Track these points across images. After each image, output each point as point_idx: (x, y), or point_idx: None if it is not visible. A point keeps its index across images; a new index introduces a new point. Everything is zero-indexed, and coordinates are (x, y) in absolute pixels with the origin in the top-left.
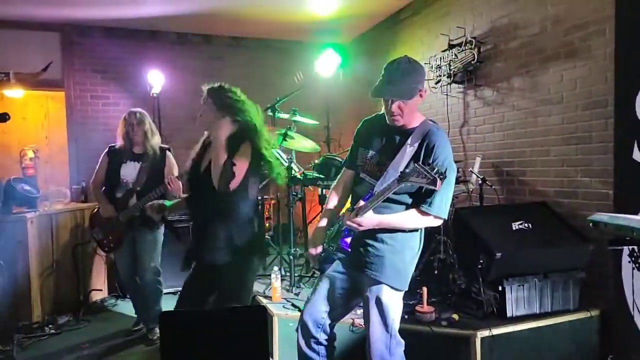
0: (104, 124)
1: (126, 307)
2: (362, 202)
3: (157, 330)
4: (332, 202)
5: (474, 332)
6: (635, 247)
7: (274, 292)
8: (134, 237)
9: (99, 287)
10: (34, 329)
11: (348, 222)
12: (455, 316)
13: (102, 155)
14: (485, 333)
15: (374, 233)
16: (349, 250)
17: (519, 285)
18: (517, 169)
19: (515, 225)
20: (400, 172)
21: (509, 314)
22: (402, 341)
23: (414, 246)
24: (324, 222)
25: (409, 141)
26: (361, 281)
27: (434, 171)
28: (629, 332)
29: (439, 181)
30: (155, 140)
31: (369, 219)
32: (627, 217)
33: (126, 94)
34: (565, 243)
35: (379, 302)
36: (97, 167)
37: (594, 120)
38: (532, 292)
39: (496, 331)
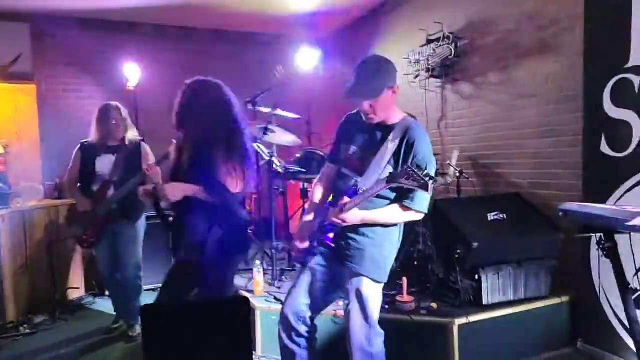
0: (77, 118)
1: (104, 305)
2: (346, 199)
3: (138, 327)
4: (317, 196)
5: (452, 319)
6: (602, 235)
7: (256, 286)
8: (113, 231)
9: (76, 286)
10: (9, 329)
11: (333, 219)
12: (434, 305)
13: (75, 151)
14: (463, 320)
15: (355, 227)
16: (332, 245)
17: (495, 274)
18: (492, 162)
19: (491, 216)
20: (390, 173)
21: (485, 302)
22: (382, 332)
23: (393, 240)
24: (310, 217)
25: (389, 137)
26: (342, 274)
27: (424, 174)
28: (597, 317)
29: (430, 185)
30: (133, 133)
31: (354, 216)
32: (594, 207)
33: (101, 88)
34: (538, 233)
35: (359, 294)
36: (71, 164)
37: (566, 115)
38: (507, 280)
39: (473, 318)
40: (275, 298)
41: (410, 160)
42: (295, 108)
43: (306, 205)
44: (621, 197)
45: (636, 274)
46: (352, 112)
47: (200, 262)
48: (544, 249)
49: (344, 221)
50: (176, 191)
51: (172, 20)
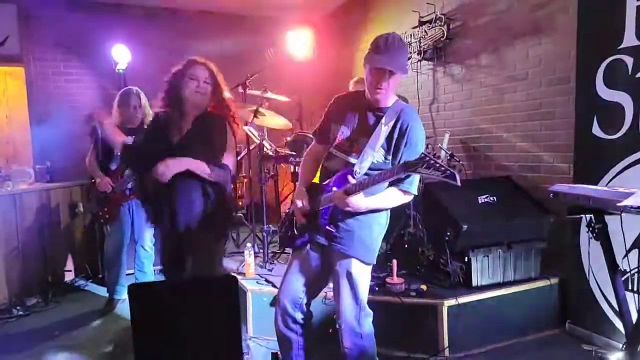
0: (67, 101)
1: (96, 287)
2: (351, 180)
3: None
4: (307, 175)
5: (441, 301)
6: (592, 216)
7: (247, 268)
8: (130, 208)
9: (69, 268)
10: (2, 310)
11: (338, 202)
12: (424, 287)
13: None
14: (452, 302)
15: (344, 210)
16: (334, 231)
17: (484, 256)
18: (483, 145)
19: (481, 199)
20: (407, 162)
21: (474, 284)
22: (371, 312)
23: (381, 221)
24: (304, 199)
25: (383, 120)
26: (331, 256)
27: (447, 163)
28: (586, 298)
29: (457, 176)
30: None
31: (359, 202)
32: (584, 187)
33: (90, 70)
34: (528, 215)
35: (349, 276)
36: (92, 145)
37: (557, 97)
38: (496, 262)
39: (462, 300)
40: (267, 280)
41: (403, 145)
42: (286, 91)
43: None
44: (612, 179)
45: (625, 255)
46: (343, 93)
47: (191, 230)
48: (534, 231)
49: (347, 206)
50: (178, 166)
51: (162, 2)
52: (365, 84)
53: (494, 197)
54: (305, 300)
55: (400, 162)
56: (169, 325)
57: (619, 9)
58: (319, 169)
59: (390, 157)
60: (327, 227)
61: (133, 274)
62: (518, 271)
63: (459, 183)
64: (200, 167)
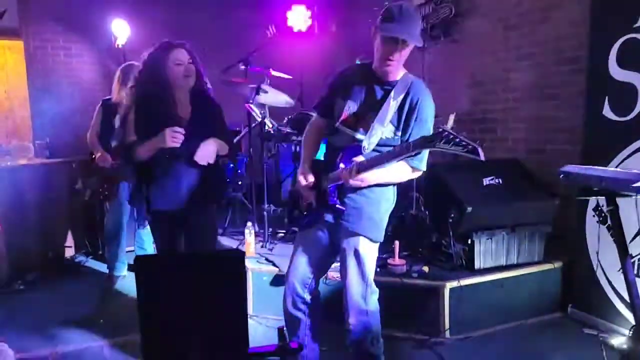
0: (67, 76)
1: (96, 264)
2: (360, 157)
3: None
4: (309, 151)
5: (443, 283)
6: (602, 199)
7: (247, 247)
8: (129, 186)
9: (69, 244)
10: (1, 285)
11: (351, 181)
12: (426, 268)
13: (97, 108)
14: (454, 284)
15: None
16: (343, 208)
17: (488, 239)
18: (489, 126)
19: (486, 181)
20: (424, 136)
21: (477, 266)
22: (377, 289)
23: (389, 197)
24: (310, 176)
25: (391, 94)
26: (339, 233)
27: (468, 138)
28: (590, 283)
29: (480, 150)
30: None
31: (371, 176)
32: (596, 169)
33: (90, 45)
34: (533, 198)
35: (356, 254)
36: (93, 120)
37: (566, 77)
38: (500, 245)
39: (464, 282)
40: (267, 259)
41: (413, 120)
42: (287, 69)
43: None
44: (621, 162)
45: (632, 240)
46: (349, 66)
47: (186, 208)
48: (539, 215)
49: (361, 182)
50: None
51: None
52: (375, 54)
53: (500, 180)
54: (313, 280)
55: (417, 137)
56: (174, 298)
57: None
58: (325, 145)
59: (399, 133)
60: (337, 206)
61: (133, 251)
62: (522, 254)
63: (482, 157)
64: (224, 147)
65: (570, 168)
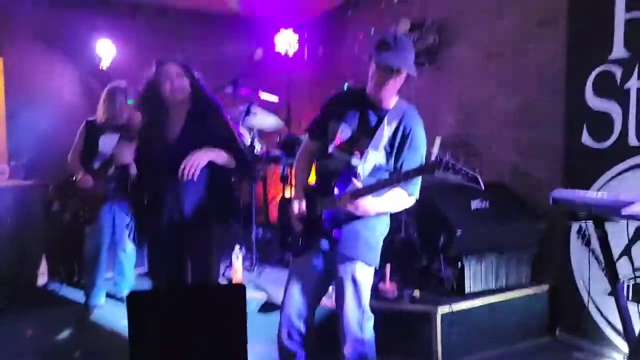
0: (47, 96)
1: (71, 291)
2: (356, 183)
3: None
4: (303, 174)
5: (435, 307)
6: (586, 223)
7: (235, 273)
8: (111, 209)
9: (42, 271)
10: None
11: (348, 206)
12: (417, 293)
13: (81, 128)
14: (446, 309)
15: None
16: (335, 233)
17: (477, 262)
18: (473, 150)
19: (474, 204)
20: (424, 165)
21: (467, 290)
22: (372, 315)
23: (384, 221)
24: (302, 202)
25: (385, 121)
26: (334, 259)
27: (466, 166)
28: (576, 306)
29: (480, 179)
30: (139, 114)
31: (367, 207)
32: (585, 194)
33: (73, 65)
34: (520, 221)
35: (354, 280)
36: (75, 140)
37: (546, 104)
38: (489, 268)
39: (456, 307)
40: (256, 285)
41: (406, 148)
42: (274, 92)
43: (288, 192)
44: (601, 187)
45: (617, 259)
46: (342, 91)
47: (189, 222)
48: (525, 238)
49: (356, 210)
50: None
51: None
52: (370, 81)
53: (487, 203)
54: (308, 310)
55: (415, 166)
56: (170, 338)
57: (608, 21)
58: (315, 169)
59: (392, 160)
60: (334, 233)
61: (112, 278)
62: (510, 277)
63: (482, 186)
64: (221, 156)
65: (559, 193)
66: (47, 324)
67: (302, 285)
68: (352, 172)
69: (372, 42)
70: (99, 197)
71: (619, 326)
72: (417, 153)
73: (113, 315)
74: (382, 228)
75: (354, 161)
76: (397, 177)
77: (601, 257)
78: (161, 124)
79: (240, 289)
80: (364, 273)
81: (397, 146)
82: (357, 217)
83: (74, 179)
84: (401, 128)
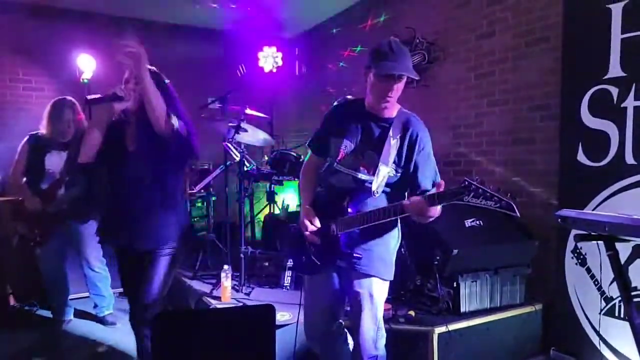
0: (25, 110)
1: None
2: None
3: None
4: (309, 192)
5: (432, 328)
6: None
7: (224, 292)
8: (67, 230)
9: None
10: None
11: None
12: (412, 313)
13: (22, 144)
14: (442, 329)
15: (360, 229)
16: (356, 254)
17: (473, 281)
18: (463, 169)
19: (468, 223)
20: (449, 189)
21: (462, 310)
22: (384, 334)
23: (395, 235)
24: (316, 222)
25: (391, 133)
26: (350, 276)
27: (499, 191)
28: (570, 325)
29: (514, 205)
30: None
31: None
32: (594, 213)
33: (52, 79)
34: (514, 240)
35: (371, 297)
36: (17, 157)
37: (539, 123)
38: (484, 288)
39: (452, 327)
40: (238, 305)
41: (415, 153)
42: (257, 108)
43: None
44: (597, 206)
45: (612, 282)
46: (342, 102)
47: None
48: (519, 257)
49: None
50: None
51: (130, 13)
52: (370, 94)
53: (481, 221)
54: (333, 327)
55: (446, 189)
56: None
57: (603, 40)
58: (321, 184)
59: (400, 170)
60: (355, 255)
61: (88, 297)
62: (504, 297)
63: (518, 214)
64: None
65: (567, 212)
66: (24, 342)
67: (319, 304)
68: (367, 190)
69: (367, 55)
70: (50, 217)
71: (615, 345)
72: (429, 159)
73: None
74: (394, 242)
75: (361, 176)
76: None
77: (597, 277)
78: (114, 130)
79: (270, 309)
80: (380, 289)
81: (406, 155)
82: (373, 235)
83: (20, 199)
84: (408, 136)
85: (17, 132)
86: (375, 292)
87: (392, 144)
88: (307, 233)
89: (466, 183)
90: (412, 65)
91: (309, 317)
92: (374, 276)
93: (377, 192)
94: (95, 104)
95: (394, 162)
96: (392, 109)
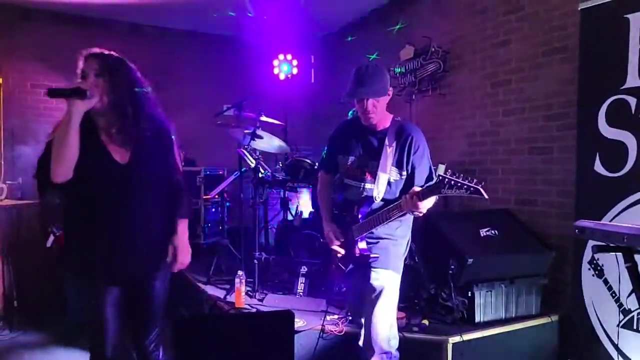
0: (44, 115)
1: None
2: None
3: None
4: (328, 205)
5: (446, 337)
6: (616, 255)
7: (238, 297)
8: None
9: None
10: None
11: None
12: (426, 322)
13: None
14: (457, 339)
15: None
16: (372, 256)
17: (488, 291)
18: (478, 176)
19: (483, 232)
20: (431, 185)
21: (477, 320)
22: (397, 336)
23: (406, 234)
24: (332, 224)
25: (386, 142)
26: (367, 273)
27: (468, 180)
28: (588, 337)
29: (482, 189)
30: None
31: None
32: (614, 224)
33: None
34: (530, 250)
35: (385, 289)
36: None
37: (556, 132)
38: (499, 298)
39: (467, 337)
40: (258, 311)
41: (412, 154)
42: (271, 115)
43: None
44: (615, 217)
45: (630, 294)
46: (342, 123)
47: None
48: (535, 267)
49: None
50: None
51: (148, 19)
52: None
53: (496, 231)
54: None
55: (425, 186)
56: None
57: (621, 50)
58: (336, 198)
59: (404, 172)
60: (372, 255)
61: None
62: (520, 307)
63: (486, 196)
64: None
65: (585, 223)
66: (41, 344)
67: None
68: (369, 198)
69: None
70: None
71: (634, 358)
72: (423, 159)
73: None
74: (404, 240)
75: (368, 185)
76: (404, 205)
77: (615, 289)
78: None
79: (289, 315)
80: (394, 281)
81: (406, 158)
82: (386, 235)
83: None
84: (402, 141)
85: (37, 136)
86: (391, 285)
87: (389, 151)
88: (333, 245)
89: (440, 178)
90: (381, 85)
91: (353, 301)
92: (389, 269)
93: (377, 198)
94: (57, 97)
95: (394, 166)
96: (385, 120)
